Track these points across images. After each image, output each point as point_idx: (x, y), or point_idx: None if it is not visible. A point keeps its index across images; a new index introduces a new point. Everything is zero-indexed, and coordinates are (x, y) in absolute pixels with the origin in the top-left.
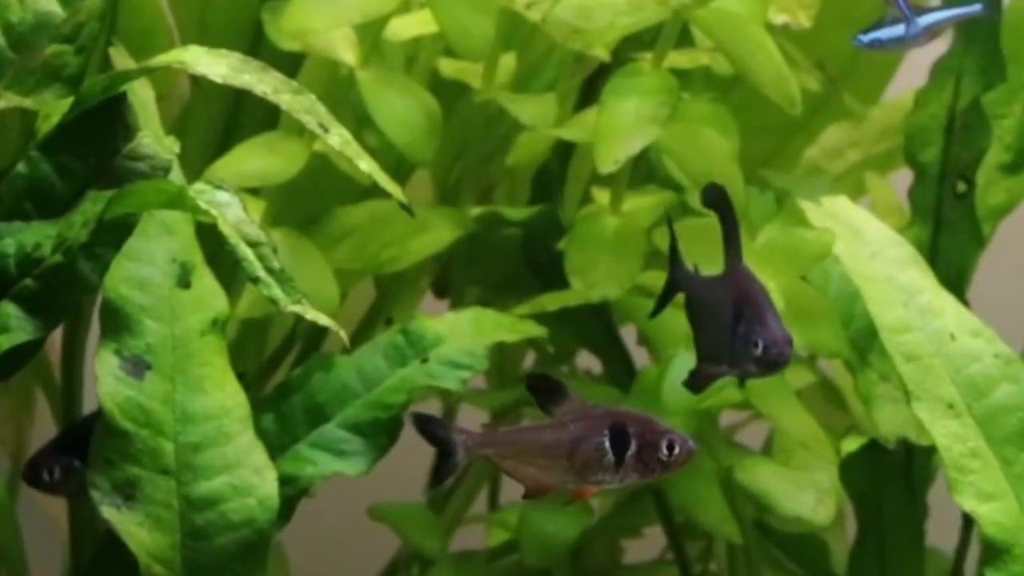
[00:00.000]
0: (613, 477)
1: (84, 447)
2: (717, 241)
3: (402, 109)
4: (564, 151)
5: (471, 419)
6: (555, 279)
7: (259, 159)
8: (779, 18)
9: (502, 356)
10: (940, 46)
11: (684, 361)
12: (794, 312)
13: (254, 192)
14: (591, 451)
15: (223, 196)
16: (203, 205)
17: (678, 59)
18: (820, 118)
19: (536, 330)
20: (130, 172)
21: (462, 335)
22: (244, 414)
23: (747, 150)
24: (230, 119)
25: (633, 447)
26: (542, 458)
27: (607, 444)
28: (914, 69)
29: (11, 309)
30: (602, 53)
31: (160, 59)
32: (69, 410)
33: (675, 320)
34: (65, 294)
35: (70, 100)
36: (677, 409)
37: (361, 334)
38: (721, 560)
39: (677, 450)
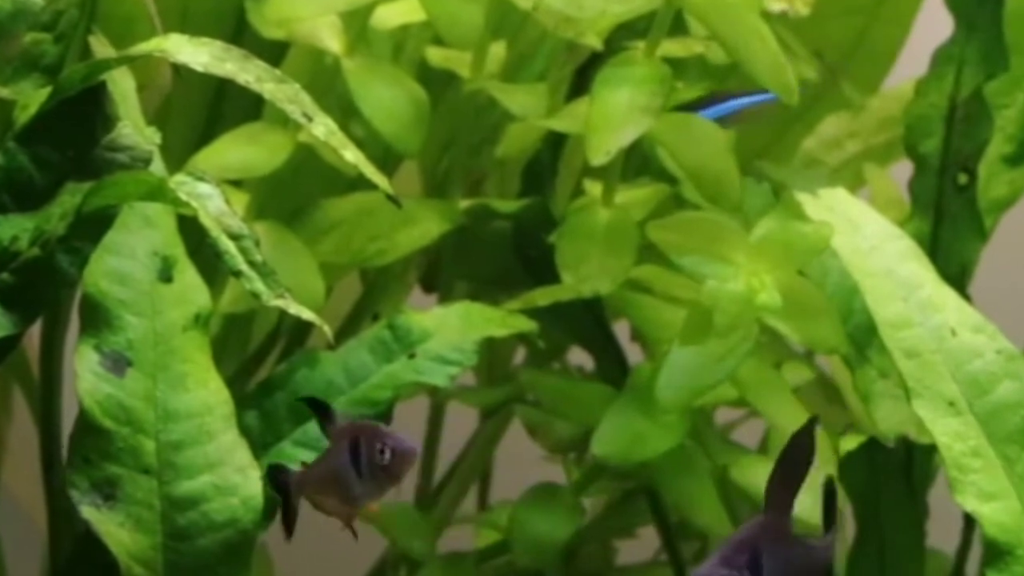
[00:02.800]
0: (366, 491)
1: None
2: (711, 234)
3: (389, 99)
4: (555, 142)
5: (461, 416)
6: (546, 273)
7: (242, 150)
8: (776, 5)
9: (492, 352)
10: (942, 34)
11: (678, 357)
12: (791, 307)
13: (237, 184)
14: (343, 472)
15: (204, 188)
16: (183, 197)
17: (672, 48)
18: (818, 108)
19: (527, 325)
20: (110, 163)
21: (451, 330)
22: (227, 412)
23: (743, 141)
24: (212, 109)
25: (364, 457)
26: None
27: (349, 461)
28: (915, 58)
29: None
30: (594, 42)
31: (141, 47)
32: (48, 407)
33: (669, 315)
34: (43, 289)
35: (48, 90)
36: (671, 407)
37: (347, 329)
38: None
39: (390, 454)
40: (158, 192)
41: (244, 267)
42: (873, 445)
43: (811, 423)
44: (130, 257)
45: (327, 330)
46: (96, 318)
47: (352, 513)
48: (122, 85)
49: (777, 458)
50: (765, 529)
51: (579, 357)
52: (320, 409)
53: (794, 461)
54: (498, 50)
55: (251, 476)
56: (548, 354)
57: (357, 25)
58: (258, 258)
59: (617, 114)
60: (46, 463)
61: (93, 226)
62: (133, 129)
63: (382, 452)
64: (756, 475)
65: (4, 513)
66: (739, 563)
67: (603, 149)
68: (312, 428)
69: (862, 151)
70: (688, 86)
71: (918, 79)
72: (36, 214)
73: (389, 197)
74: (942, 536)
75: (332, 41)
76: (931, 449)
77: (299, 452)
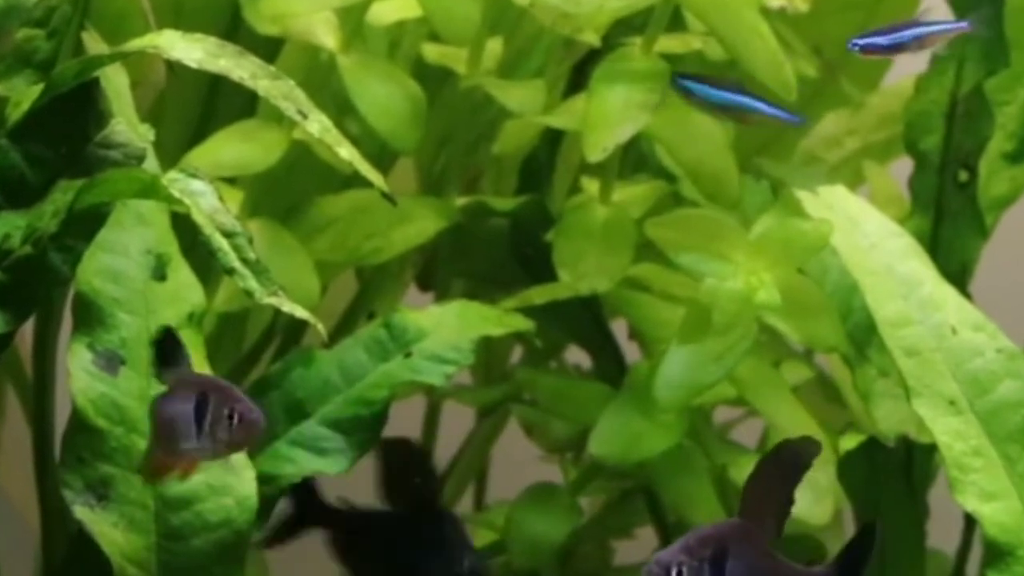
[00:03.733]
0: (201, 447)
1: None
2: (709, 232)
3: (385, 96)
4: (552, 139)
5: (457, 416)
6: (543, 271)
7: (237, 147)
8: (774, 2)
9: (488, 351)
10: None
11: (676, 356)
12: (790, 305)
13: (231, 181)
14: (183, 424)
15: (197, 185)
16: (176, 194)
17: (669, 44)
18: (817, 105)
19: (523, 324)
20: (103, 160)
21: (447, 329)
22: None
23: (741, 138)
24: (206, 106)
25: (209, 417)
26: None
27: (192, 415)
28: (914, 55)
29: None
30: (591, 38)
31: (134, 44)
32: (41, 407)
33: (667, 313)
34: (35, 287)
35: (41, 86)
36: (669, 406)
37: (342, 328)
38: None
39: (237, 420)
40: (151, 189)
41: (238, 265)
42: (873, 444)
43: (806, 440)
44: (123, 255)
45: (322, 329)
46: (89, 316)
47: (169, 465)
48: (115, 82)
49: (758, 463)
50: (735, 530)
51: (576, 356)
52: (169, 347)
53: (777, 472)
54: (495, 46)
55: (245, 476)
56: (545, 353)
57: (353, 21)
58: (252, 256)
59: (614, 111)
60: (39, 463)
61: (86, 224)
62: (126, 126)
63: (230, 417)
64: None
65: None
66: (702, 555)
67: (600, 146)
68: (309, 427)
69: (862, 148)
70: None
71: (918, 75)
72: (28, 212)
73: (384, 195)
74: (942, 536)
75: (327, 37)
76: (931, 448)
77: (295, 451)
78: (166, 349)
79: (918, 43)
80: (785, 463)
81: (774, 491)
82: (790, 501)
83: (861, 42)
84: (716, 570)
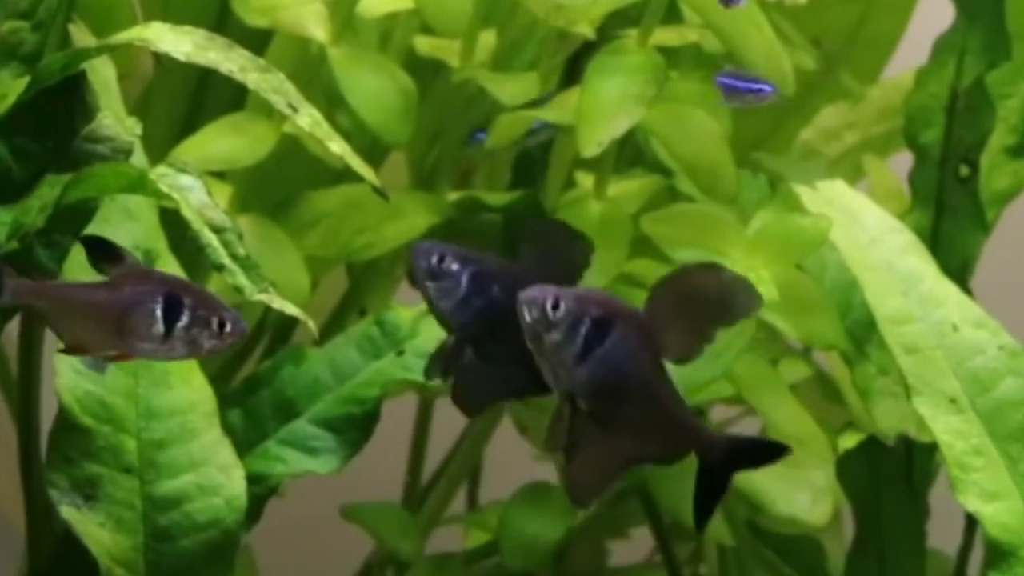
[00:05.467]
0: (159, 347)
1: None
2: (706, 228)
3: (376, 88)
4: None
5: (449, 414)
6: None
7: (226, 141)
8: None
9: None
10: (942, 22)
11: None
12: (788, 302)
13: (220, 176)
14: (141, 317)
15: (186, 180)
16: (165, 189)
17: (665, 36)
18: (816, 98)
19: None
20: (90, 155)
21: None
22: (210, 409)
23: (739, 132)
24: (195, 99)
25: (185, 319)
26: (91, 318)
27: (158, 312)
28: (915, 46)
29: None
30: (586, 30)
31: (122, 36)
32: (26, 405)
33: None
34: None
35: (27, 79)
36: None
37: (333, 325)
38: (712, 563)
39: (228, 328)
40: (139, 184)
41: (227, 261)
42: (872, 444)
43: (744, 283)
44: None
45: (312, 326)
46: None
47: (91, 351)
48: (102, 74)
49: (673, 275)
50: (632, 314)
51: None
52: (108, 247)
53: (698, 298)
54: (488, 39)
55: (235, 475)
56: None
57: (343, 13)
58: (241, 252)
59: (609, 104)
60: (25, 462)
61: (73, 219)
62: (114, 120)
63: (222, 325)
64: (753, 474)
65: None
66: (587, 310)
67: (595, 140)
68: (299, 426)
69: (861, 142)
70: (682, 75)
71: (918, 68)
72: (14, 207)
73: (376, 190)
74: (943, 537)
75: (318, 29)
76: (932, 448)
77: (285, 451)
78: (102, 250)
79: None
80: (717, 295)
81: (691, 311)
82: (707, 335)
83: None
84: (597, 333)
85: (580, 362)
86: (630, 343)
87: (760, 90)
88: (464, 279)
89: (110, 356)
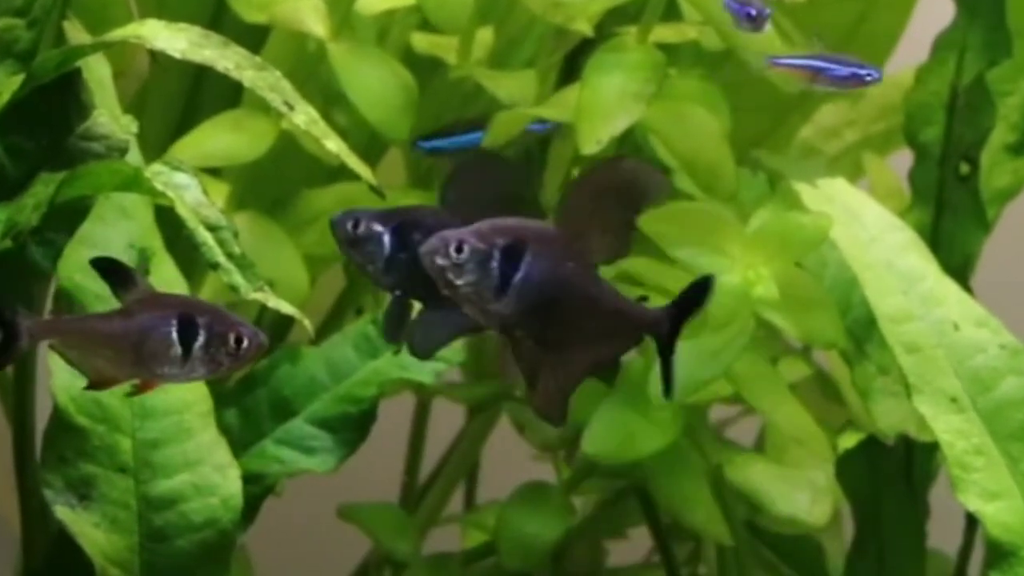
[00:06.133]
0: (180, 370)
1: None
2: (705, 226)
3: (377, 83)
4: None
5: (447, 413)
6: None
7: (222, 138)
8: None
9: (479, 347)
10: (942, 19)
11: None
12: (788, 300)
13: (217, 173)
14: (158, 342)
15: (181, 178)
16: (160, 187)
17: (665, 33)
18: (815, 96)
19: None
20: (85, 153)
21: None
22: (206, 409)
23: (738, 129)
24: (191, 97)
25: (201, 338)
26: (109, 348)
27: (174, 335)
28: (915, 44)
29: None
30: (584, 27)
31: (117, 33)
32: (21, 405)
33: None
34: (16, 282)
35: (21, 77)
36: (664, 403)
37: (330, 324)
38: (710, 563)
39: (246, 343)
40: (134, 182)
41: (222, 259)
42: (872, 443)
43: (650, 169)
44: (105, 249)
45: (308, 325)
46: (71, 312)
47: (115, 381)
48: (97, 72)
49: (584, 175)
50: (540, 230)
51: None
52: (121, 271)
53: (611, 190)
54: (485, 36)
55: (230, 475)
56: None
57: (341, 9)
58: (236, 250)
59: (609, 102)
60: (19, 462)
61: (67, 217)
62: (109, 117)
63: (239, 341)
64: (752, 474)
65: None
66: (493, 241)
67: (594, 137)
68: (296, 426)
69: (861, 140)
70: (682, 73)
71: (918, 66)
72: (8, 205)
73: (372, 188)
74: (943, 537)
75: (316, 25)
76: (932, 447)
77: (281, 450)
78: (115, 275)
79: None
80: (623, 185)
81: (604, 209)
82: (627, 226)
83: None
84: (510, 263)
85: (501, 295)
86: (546, 260)
87: (867, 75)
88: (386, 238)
89: (137, 388)
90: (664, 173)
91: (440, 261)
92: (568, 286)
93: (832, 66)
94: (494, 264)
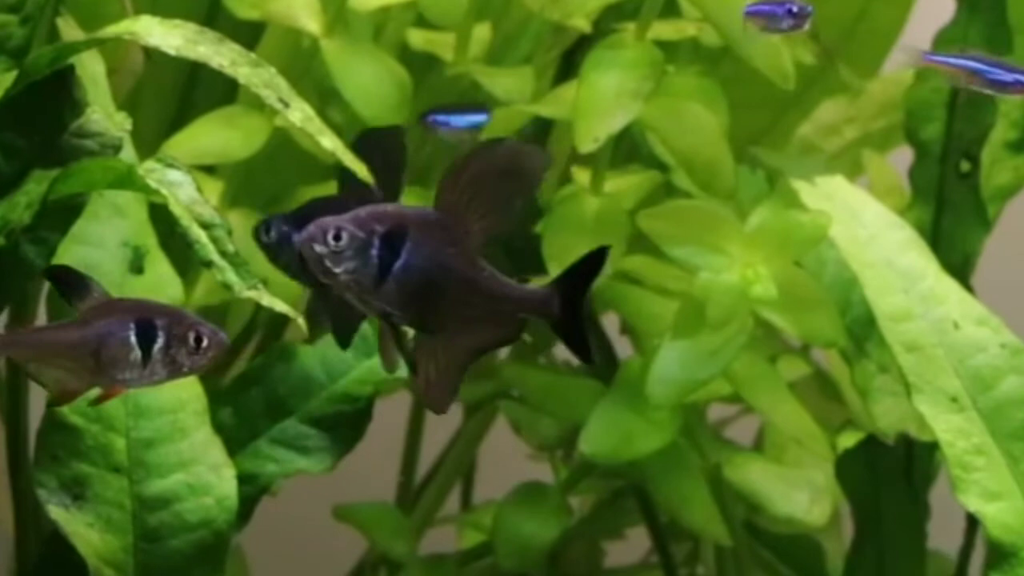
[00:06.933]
0: (141, 374)
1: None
2: (703, 224)
3: (372, 80)
4: (541, 128)
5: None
6: (532, 264)
7: (217, 135)
8: None
9: None
10: (943, 15)
11: (670, 352)
12: (787, 299)
13: (211, 171)
14: (116, 348)
15: (175, 175)
16: (153, 184)
17: (663, 30)
18: (814, 92)
19: None
20: (78, 150)
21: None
22: (200, 408)
23: (736, 127)
24: (185, 94)
25: (160, 341)
26: (67, 358)
27: (133, 339)
28: (916, 40)
29: None
30: (582, 24)
31: (111, 30)
32: (14, 404)
33: (660, 307)
34: (9, 280)
35: (14, 74)
36: (662, 403)
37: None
38: (709, 563)
39: (206, 342)
40: (128, 180)
41: (216, 257)
42: (872, 443)
43: (531, 148)
44: (99, 247)
45: (303, 323)
46: (64, 311)
47: (76, 393)
48: (91, 69)
49: (467, 156)
50: (420, 215)
51: (566, 351)
52: (74, 278)
53: (491, 170)
54: (482, 32)
55: (225, 475)
56: (534, 348)
57: (336, 6)
58: (230, 248)
59: (606, 99)
60: (12, 461)
61: (61, 215)
62: (102, 114)
63: (199, 340)
64: (750, 474)
65: None
66: (372, 228)
67: (591, 135)
68: (291, 425)
69: (861, 137)
70: (680, 70)
71: None
72: (1, 203)
73: (367, 185)
74: (944, 537)
75: (310, 21)
76: (932, 447)
77: (276, 450)
78: (69, 282)
79: None
80: (503, 166)
81: (484, 191)
82: (509, 206)
83: None
84: (390, 250)
85: (381, 283)
86: (428, 244)
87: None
88: (295, 236)
89: (99, 397)
90: (664, 169)
91: (318, 249)
92: (448, 271)
93: (993, 69)
94: (373, 252)
